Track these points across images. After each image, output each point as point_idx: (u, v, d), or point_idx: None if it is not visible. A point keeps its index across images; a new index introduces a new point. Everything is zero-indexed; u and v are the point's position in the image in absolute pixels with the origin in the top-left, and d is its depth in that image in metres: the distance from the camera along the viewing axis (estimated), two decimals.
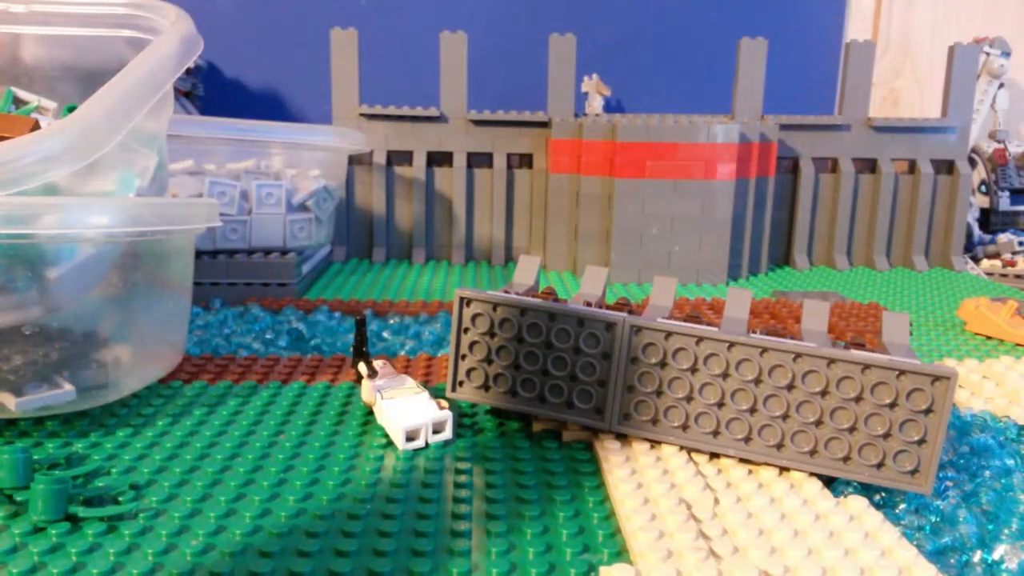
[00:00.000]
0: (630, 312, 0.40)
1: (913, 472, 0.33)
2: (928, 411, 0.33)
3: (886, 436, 0.33)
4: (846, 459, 0.34)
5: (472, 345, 0.40)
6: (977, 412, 0.44)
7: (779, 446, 0.35)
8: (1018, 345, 0.61)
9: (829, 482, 0.35)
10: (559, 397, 0.39)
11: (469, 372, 0.40)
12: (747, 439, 0.36)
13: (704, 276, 0.83)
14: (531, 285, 0.45)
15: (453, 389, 0.40)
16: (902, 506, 0.34)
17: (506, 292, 0.41)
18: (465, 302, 0.39)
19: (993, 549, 0.30)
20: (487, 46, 1.17)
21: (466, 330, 0.40)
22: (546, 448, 0.39)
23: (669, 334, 0.36)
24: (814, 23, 1.34)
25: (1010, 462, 0.37)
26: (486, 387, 0.40)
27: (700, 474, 0.35)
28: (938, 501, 0.34)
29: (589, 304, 0.40)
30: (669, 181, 0.80)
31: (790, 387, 0.35)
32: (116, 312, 0.44)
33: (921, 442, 0.33)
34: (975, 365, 0.54)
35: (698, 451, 0.37)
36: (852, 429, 0.34)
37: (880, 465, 0.34)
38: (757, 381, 0.35)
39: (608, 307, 0.42)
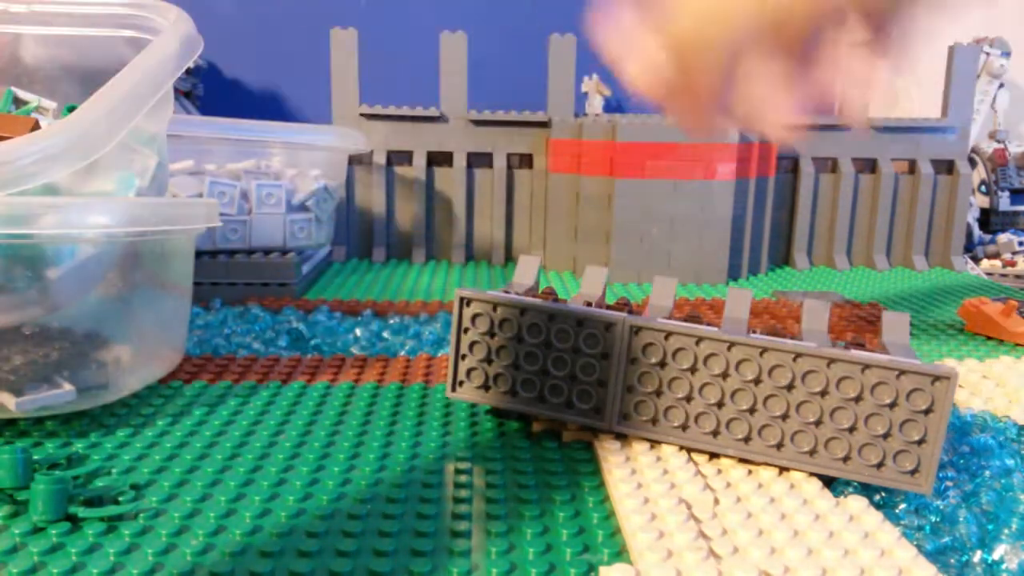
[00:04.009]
0: (630, 312, 0.40)
1: (913, 472, 0.33)
2: (928, 411, 0.33)
3: (886, 436, 0.33)
4: (846, 459, 0.34)
5: (472, 345, 0.40)
6: (977, 412, 0.44)
7: (779, 446, 0.35)
8: (1018, 345, 0.61)
9: (829, 482, 0.35)
10: (559, 397, 0.39)
11: (469, 372, 0.40)
12: (747, 439, 0.36)
13: (704, 276, 0.83)
14: (531, 285, 0.45)
15: (453, 389, 0.40)
16: (902, 506, 0.34)
17: (506, 292, 0.41)
18: (465, 302, 0.39)
19: (993, 549, 0.30)
20: (487, 46, 1.17)
21: (466, 330, 0.40)
22: (546, 448, 0.39)
23: (669, 334, 0.36)
24: None
25: (1010, 462, 0.37)
26: (486, 387, 0.40)
27: (700, 474, 0.35)
28: (938, 501, 0.34)
29: (589, 304, 0.40)
30: (669, 181, 0.80)
31: (790, 387, 0.35)
32: (116, 312, 0.44)
33: (921, 442, 0.33)
34: (975, 365, 0.54)
35: (698, 451, 0.37)
36: (852, 429, 0.34)
37: (880, 465, 0.34)
38: (757, 381, 0.35)
39: (608, 307, 0.42)
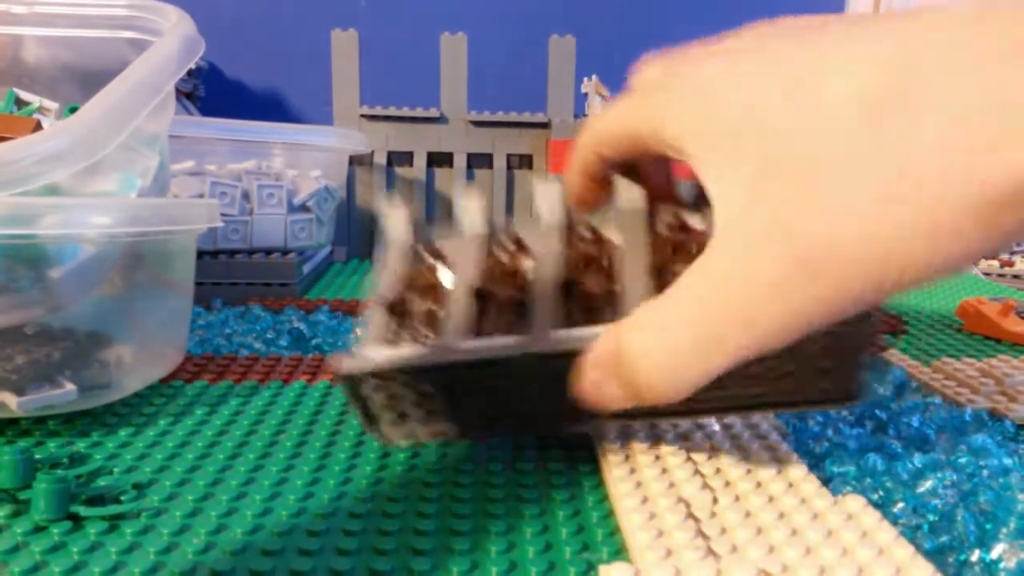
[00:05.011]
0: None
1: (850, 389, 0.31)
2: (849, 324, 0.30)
3: (824, 365, 0.31)
4: (793, 396, 0.32)
5: (395, 418, 0.32)
6: (975, 412, 0.44)
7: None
8: (1017, 344, 0.61)
9: (827, 482, 0.36)
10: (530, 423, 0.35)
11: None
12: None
13: None
14: (481, 232, 0.36)
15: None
16: (900, 505, 0.34)
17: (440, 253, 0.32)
18: (351, 381, 0.29)
19: (991, 548, 0.31)
20: (487, 47, 1.17)
21: (370, 413, 0.31)
22: (546, 447, 0.39)
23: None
24: None
25: (1008, 461, 0.37)
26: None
27: (699, 473, 0.35)
28: (936, 500, 0.34)
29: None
30: None
31: None
32: (118, 312, 0.44)
33: (853, 358, 0.31)
34: (974, 365, 0.54)
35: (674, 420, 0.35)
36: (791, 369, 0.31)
37: (822, 391, 0.32)
38: None
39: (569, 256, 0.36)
